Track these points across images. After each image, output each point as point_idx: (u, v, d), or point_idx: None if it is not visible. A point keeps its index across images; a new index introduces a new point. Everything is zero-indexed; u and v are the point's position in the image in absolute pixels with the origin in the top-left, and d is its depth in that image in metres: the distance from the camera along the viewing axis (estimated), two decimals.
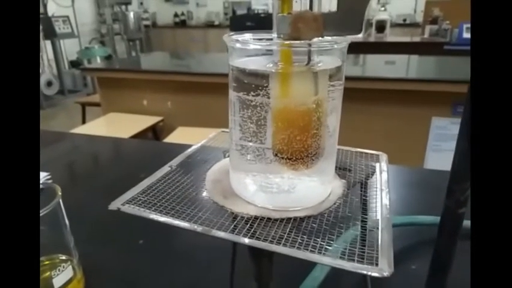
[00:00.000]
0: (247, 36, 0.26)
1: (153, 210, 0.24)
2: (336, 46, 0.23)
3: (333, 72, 0.24)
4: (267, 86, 0.23)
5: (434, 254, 0.27)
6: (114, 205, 0.24)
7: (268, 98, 0.23)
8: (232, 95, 0.26)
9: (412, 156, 1.63)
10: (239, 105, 0.25)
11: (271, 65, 0.24)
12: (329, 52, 0.24)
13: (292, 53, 0.23)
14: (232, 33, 0.25)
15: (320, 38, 0.22)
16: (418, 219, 0.49)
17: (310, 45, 0.22)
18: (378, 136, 1.67)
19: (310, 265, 0.39)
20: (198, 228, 0.22)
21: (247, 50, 0.25)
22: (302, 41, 0.22)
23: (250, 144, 0.25)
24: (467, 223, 0.45)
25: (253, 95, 0.24)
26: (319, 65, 0.23)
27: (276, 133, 0.24)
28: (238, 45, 0.24)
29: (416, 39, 3.83)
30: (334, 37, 0.23)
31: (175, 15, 6.60)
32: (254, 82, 0.24)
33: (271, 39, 0.25)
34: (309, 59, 0.23)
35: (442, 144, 1.57)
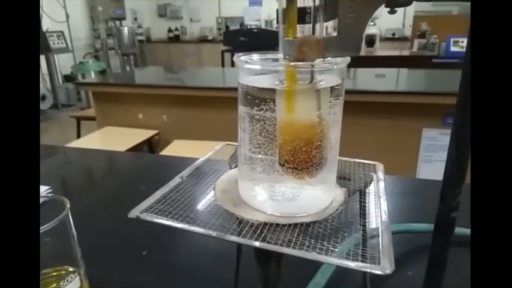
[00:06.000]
0: (255, 56, 0.29)
1: (169, 218, 0.26)
2: (336, 67, 0.26)
3: (334, 89, 0.26)
4: (273, 102, 0.26)
5: (430, 255, 0.29)
6: (133, 213, 0.26)
7: (274, 112, 0.26)
8: (242, 109, 0.28)
9: (405, 167, 1.66)
10: (248, 119, 0.27)
11: (277, 83, 0.26)
12: (330, 71, 0.27)
13: (296, 72, 0.26)
14: (241, 54, 0.28)
15: (322, 59, 0.25)
16: (412, 226, 0.51)
17: (313, 66, 0.25)
18: (370, 148, 1.70)
19: (312, 272, 0.40)
20: (213, 233, 0.24)
21: (256, 69, 0.27)
22: (306, 63, 0.24)
23: (259, 156, 0.27)
24: (459, 230, 0.47)
25: (260, 110, 0.26)
26: (321, 83, 0.26)
27: (283, 145, 0.26)
28: (248, 65, 0.26)
29: (406, 52, 3.93)
30: (335, 58, 0.25)
31: (169, 30, 6.67)
32: (262, 98, 0.26)
33: (277, 59, 0.27)
34: (312, 78, 0.26)
35: (433, 155, 1.60)
